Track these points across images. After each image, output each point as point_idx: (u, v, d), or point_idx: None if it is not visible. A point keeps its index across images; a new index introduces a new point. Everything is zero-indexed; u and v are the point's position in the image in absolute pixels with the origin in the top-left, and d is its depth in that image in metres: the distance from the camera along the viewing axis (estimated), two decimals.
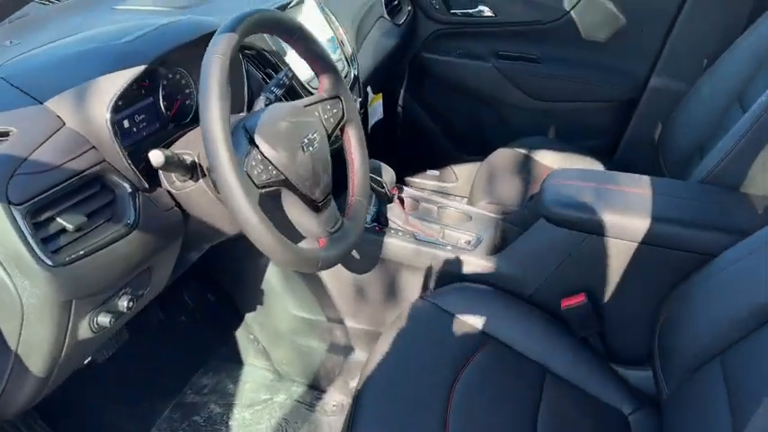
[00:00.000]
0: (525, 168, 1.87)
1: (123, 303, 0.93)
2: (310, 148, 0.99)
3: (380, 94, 1.85)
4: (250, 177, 0.88)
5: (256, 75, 1.21)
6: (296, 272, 1.49)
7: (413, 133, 2.35)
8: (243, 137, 0.93)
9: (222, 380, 1.62)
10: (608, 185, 1.29)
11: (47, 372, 0.88)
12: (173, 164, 0.88)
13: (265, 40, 1.26)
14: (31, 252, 0.77)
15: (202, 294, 1.67)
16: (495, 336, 1.20)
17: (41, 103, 0.88)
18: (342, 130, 1.16)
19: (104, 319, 0.89)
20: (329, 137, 1.10)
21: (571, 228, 1.24)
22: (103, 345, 1.35)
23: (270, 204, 0.98)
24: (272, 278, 1.51)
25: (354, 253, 1.44)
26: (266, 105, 1.09)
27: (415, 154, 2.36)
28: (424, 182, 2.34)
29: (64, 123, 0.87)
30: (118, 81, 0.90)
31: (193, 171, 0.95)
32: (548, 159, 1.89)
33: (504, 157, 1.91)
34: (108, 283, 0.88)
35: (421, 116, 2.30)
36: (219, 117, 0.83)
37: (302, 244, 1.03)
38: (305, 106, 1.06)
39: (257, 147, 0.93)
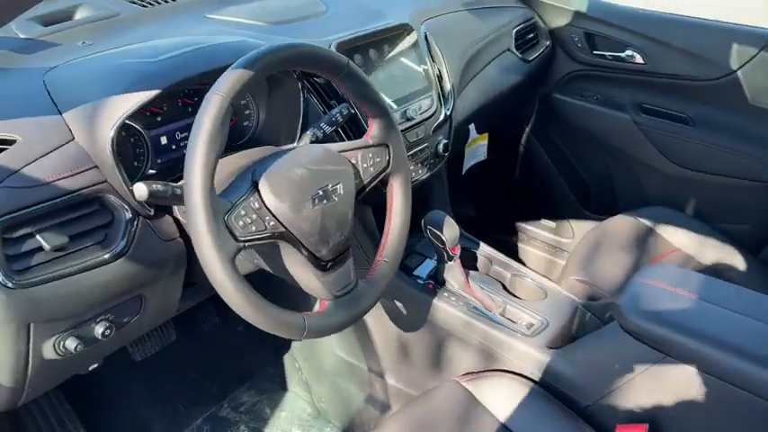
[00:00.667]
0: (643, 244, 1.60)
1: (99, 330, 0.89)
2: (324, 201, 0.88)
3: (486, 135, 1.68)
4: (231, 229, 0.79)
5: (317, 107, 1.13)
6: None
7: (532, 178, 2.14)
8: (247, 180, 0.85)
9: (261, 401, 1.58)
10: (712, 300, 1.03)
11: (16, 383, 0.87)
12: (161, 197, 0.82)
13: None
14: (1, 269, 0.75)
15: None
16: None
17: (60, 114, 0.87)
18: (384, 181, 1.04)
19: (71, 344, 0.86)
20: (364, 188, 0.98)
21: (648, 343, 1.01)
22: (143, 343, 1.36)
23: (274, 253, 0.89)
24: None
25: (401, 307, 1.31)
26: (311, 142, 1.01)
27: (530, 200, 2.15)
28: (537, 231, 2.12)
29: (73, 138, 0.85)
30: (129, 101, 0.86)
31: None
32: (676, 238, 1.60)
33: (621, 225, 1.65)
34: (79, 309, 0.85)
35: (544, 161, 2.08)
36: (202, 164, 0.75)
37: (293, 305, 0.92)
38: (340, 152, 0.96)
39: (258, 192, 0.84)
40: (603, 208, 1.97)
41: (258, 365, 1.65)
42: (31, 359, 0.84)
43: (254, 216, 0.82)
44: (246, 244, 0.81)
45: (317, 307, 0.93)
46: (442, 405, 1.09)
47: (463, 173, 1.66)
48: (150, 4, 1.27)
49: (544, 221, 2.11)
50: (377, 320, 1.36)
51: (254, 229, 0.82)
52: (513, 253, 2.10)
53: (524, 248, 2.14)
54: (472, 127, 1.61)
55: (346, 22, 1.26)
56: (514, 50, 1.74)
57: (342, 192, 0.91)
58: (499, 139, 1.82)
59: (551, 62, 1.91)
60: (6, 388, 0.88)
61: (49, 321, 0.83)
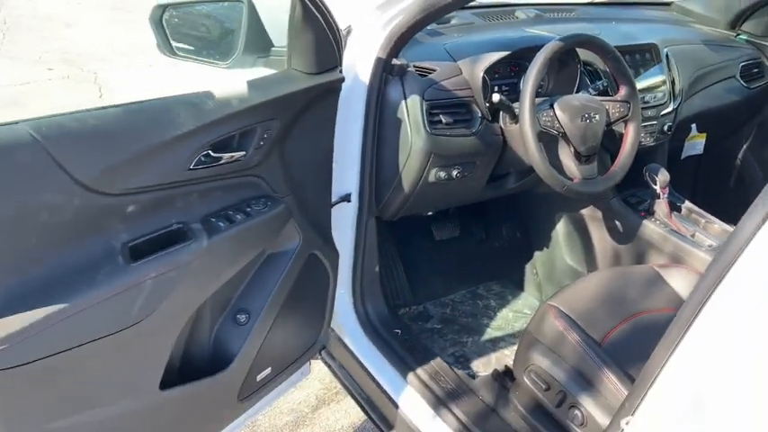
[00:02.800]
0: None
1: (454, 173, 1.70)
2: (587, 120, 1.60)
3: (704, 134, 2.24)
4: (538, 120, 1.55)
5: (585, 80, 1.86)
6: (575, 229, 2.07)
7: (741, 187, 2.59)
8: (547, 103, 1.61)
9: (504, 292, 2.30)
10: None
11: (409, 192, 1.71)
12: (503, 107, 1.61)
13: (599, 62, 1.88)
14: (423, 123, 1.60)
15: (513, 232, 2.38)
16: None
17: (455, 61, 1.71)
18: (625, 124, 1.72)
19: (441, 174, 1.68)
20: (609, 124, 1.68)
21: None
22: (441, 230, 2.18)
23: (554, 145, 1.64)
24: (560, 229, 2.13)
25: (619, 226, 1.95)
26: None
27: (727, 205, 2.60)
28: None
29: (461, 73, 1.69)
30: (490, 59, 1.67)
31: (517, 118, 1.66)
32: None
33: None
34: (452, 156, 1.67)
35: (759, 178, 2.53)
36: (531, 85, 1.52)
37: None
38: (600, 100, 1.67)
39: (553, 109, 1.59)
40: None
41: (504, 270, 2.37)
42: (422, 179, 1.68)
43: (549, 119, 1.57)
44: (544, 130, 1.56)
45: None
46: (636, 274, 1.71)
47: (682, 158, 2.24)
48: (491, 19, 2.12)
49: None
50: (600, 236, 2.01)
51: (549, 125, 1.57)
52: None
53: None
54: (693, 126, 2.19)
55: (613, 38, 1.98)
56: (739, 78, 2.28)
57: (597, 119, 1.62)
58: (717, 145, 2.35)
59: None
60: (402, 196, 1.72)
61: (438, 156, 1.65)
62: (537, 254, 2.27)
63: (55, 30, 6.58)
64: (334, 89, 1.46)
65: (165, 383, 1.23)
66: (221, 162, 1.24)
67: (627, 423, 1.04)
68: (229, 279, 1.32)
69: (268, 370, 1.51)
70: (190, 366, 1.34)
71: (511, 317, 2.18)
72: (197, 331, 1.34)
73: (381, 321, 1.90)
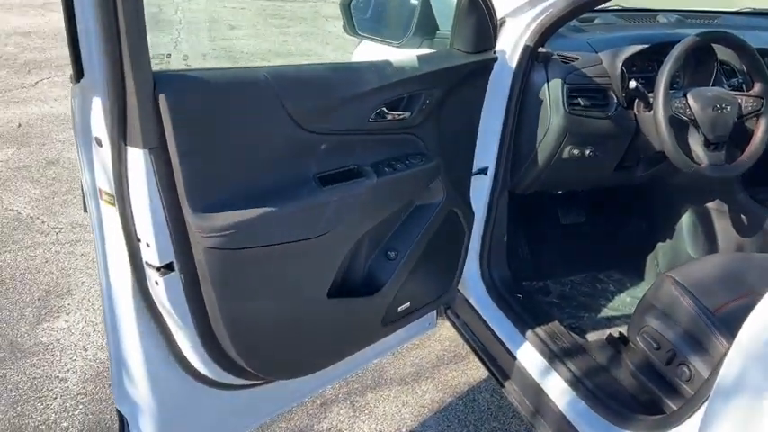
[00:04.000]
0: None
1: (586, 152, 1.88)
2: (719, 111, 1.73)
3: None
4: (671, 106, 1.70)
5: (721, 78, 1.96)
6: (700, 222, 2.17)
7: None
8: (681, 92, 1.75)
9: (624, 280, 2.41)
10: None
11: (543, 166, 1.91)
12: (638, 94, 1.77)
13: (736, 61, 1.98)
14: (563, 103, 1.80)
15: (637, 222, 2.49)
16: None
17: (596, 53, 1.89)
18: (757, 119, 1.82)
19: (574, 152, 1.86)
20: (741, 117, 1.79)
21: None
22: (568, 214, 2.35)
23: (683, 132, 1.78)
24: (685, 222, 2.22)
25: (744, 219, 2.03)
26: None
27: None
28: None
29: (600, 63, 1.87)
30: (628, 51, 1.84)
31: (651, 105, 1.81)
32: None
33: None
34: (586, 134, 1.85)
35: None
36: (667, 72, 1.68)
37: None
38: (734, 95, 1.79)
39: (686, 97, 1.73)
40: None
41: (623, 257, 2.48)
42: (556, 155, 1.87)
43: (681, 107, 1.71)
44: (675, 115, 1.71)
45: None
46: (758, 259, 1.79)
47: None
48: (633, 22, 2.27)
49: None
50: (724, 229, 2.09)
51: (680, 112, 1.71)
52: None
53: None
54: None
55: (754, 43, 2.07)
56: None
57: (729, 110, 1.74)
58: None
59: None
60: (536, 171, 1.92)
61: (573, 134, 1.84)
62: (660, 245, 2.37)
63: (221, 31, 7.37)
64: (487, 68, 1.70)
65: (331, 293, 1.52)
66: (391, 119, 1.52)
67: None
68: (386, 218, 1.60)
69: (407, 304, 1.77)
70: (348, 285, 1.62)
71: (628, 301, 2.30)
72: (357, 257, 1.62)
73: (505, 286, 2.11)
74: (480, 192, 1.99)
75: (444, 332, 2.57)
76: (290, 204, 1.32)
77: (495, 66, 1.76)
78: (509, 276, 2.14)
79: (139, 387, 1.41)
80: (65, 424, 2.00)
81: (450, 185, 1.75)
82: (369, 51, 2.25)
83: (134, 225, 1.22)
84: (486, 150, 1.92)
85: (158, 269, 1.24)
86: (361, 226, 1.52)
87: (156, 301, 1.32)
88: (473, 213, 1.89)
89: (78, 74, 1.08)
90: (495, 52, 1.70)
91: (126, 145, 1.15)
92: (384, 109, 1.49)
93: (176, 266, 1.27)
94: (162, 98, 1.10)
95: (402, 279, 1.70)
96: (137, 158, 1.15)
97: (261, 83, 1.25)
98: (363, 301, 1.62)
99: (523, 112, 1.88)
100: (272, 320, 1.43)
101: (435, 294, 1.89)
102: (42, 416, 2.02)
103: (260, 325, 1.41)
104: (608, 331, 2.13)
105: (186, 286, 1.30)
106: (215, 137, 1.20)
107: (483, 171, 1.96)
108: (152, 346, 1.38)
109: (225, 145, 1.22)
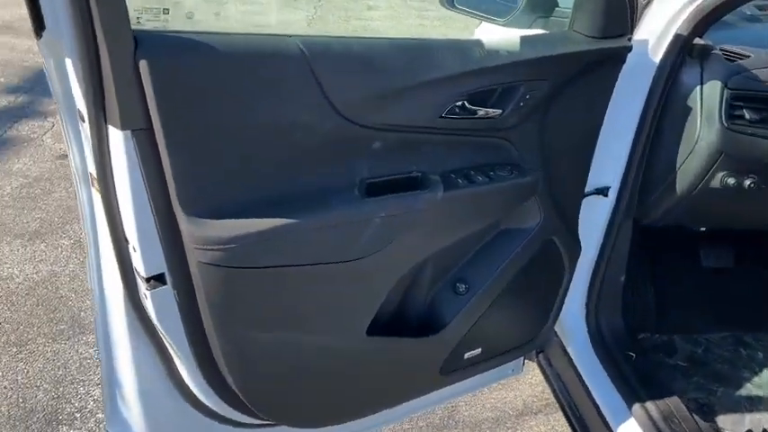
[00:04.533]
0: None
1: (746, 182, 1.39)
2: None
3: None
4: None
5: None
6: None
7: None
8: None
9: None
10: None
11: (682, 195, 1.45)
12: None
13: None
14: (720, 115, 1.33)
15: None
16: None
17: None
18: None
19: (729, 180, 1.38)
20: None
21: None
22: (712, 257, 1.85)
23: None
24: None
25: None
26: None
27: None
28: None
29: None
30: None
31: None
32: None
33: None
34: (748, 159, 1.37)
35: None
36: None
37: None
38: None
39: None
40: None
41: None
42: (702, 182, 1.41)
43: None
44: None
45: None
46: None
47: None
48: None
49: None
50: None
51: None
52: None
53: None
54: None
55: None
56: None
57: None
58: None
59: None
60: (672, 199, 1.46)
61: (729, 157, 1.37)
62: None
63: (358, 11, 7.21)
64: (617, 58, 1.28)
65: (372, 330, 1.20)
66: (475, 116, 1.16)
67: None
68: (456, 242, 1.24)
69: (478, 351, 1.41)
70: (399, 322, 1.29)
71: None
72: (414, 288, 1.29)
73: (615, 339, 1.67)
74: (596, 216, 1.57)
75: (538, 374, 2.15)
76: (318, 216, 1.02)
77: (631, 57, 1.33)
78: (622, 327, 1.69)
79: (132, 410, 1.18)
80: (100, 415, 1.86)
81: (552, 207, 1.36)
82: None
83: (121, 223, 0.98)
84: (609, 165, 1.50)
85: (147, 280, 0.99)
86: (418, 250, 1.18)
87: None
88: (579, 246, 1.47)
89: (38, 25, 0.83)
90: (630, 38, 1.27)
91: (106, 123, 0.90)
92: (465, 103, 1.13)
93: (169, 279, 1.01)
94: (143, 65, 0.83)
95: (472, 319, 1.34)
96: (117, 142, 0.89)
97: (291, 55, 0.95)
98: (415, 342, 1.28)
99: (664, 120, 1.44)
100: (288, 357, 1.14)
101: (518, 340, 1.51)
102: (81, 402, 1.90)
103: (271, 361, 1.12)
104: (747, 417, 1.63)
105: (182, 303, 1.04)
106: (218, 120, 0.92)
107: (602, 191, 1.54)
108: (146, 364, 1.14)
109: (231, 132, 0.93)
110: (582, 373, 1.64)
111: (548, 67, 1.19)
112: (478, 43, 1.14)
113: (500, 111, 1.18)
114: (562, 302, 1.52)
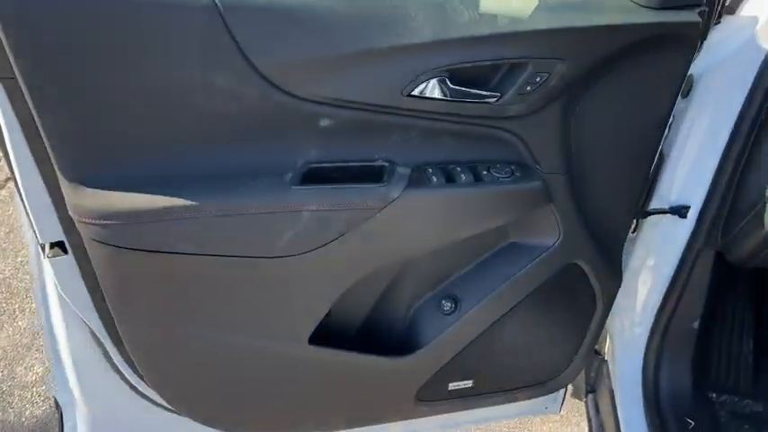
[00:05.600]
0: None
1: None
2: None
3: None
4: None
5: None
6: None
7: None
8: None
9: None
10: None
11: None
12: None
13: None
14: None
15: None
16: None
17: None
18: None
19: None
20: None
21: None
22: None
23: None
24: None
25: None
26: None
27: None
28: None
29: None
30: None
31: None
32: None
33: None
34: None
35: None
36: None
37: None
38: None
39: None
40: None
41: None
42: None
43: None
44: None
45: None
46: None
47: None
48: None
49: None
50: None
51: None
52: None
53: None
54: None
55: None
56: None
57: None
58: None
59: None
60: (762, 236, 1.09)
61: None
62: None
63: None
64: (682, 38, 0.95)
65: (319, 340, 1.03)
66: (460, 99, 0.92)
67: None
68: (437, 253, 1.02)
69: (468, 383, 1.17)
70: (369, 339, 1.10)
71: None
72: (386, 301, 1.09)
73: (673, 398, 1.33)
74: (664, 241, 1.24)
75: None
76: (231, 200, 0.86)
77: (726, 46, 1.00)
78: (688, 385, 1.34)
79: (71, 379, 1.13)
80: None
81: (579, 223, 1.07)
82: None
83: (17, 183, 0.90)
84: (692, 180, 1.16)
85: (43, 248, 0.91)
86: (374, 256, 0.98)
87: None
88: (618, 277, 1.17)
89: None
90: (706, 11, 0.94)
91: None
92: (447, 79, 0.90)
93: (69, 248, 0.92)
94: None
95: (458, 344, 1.11)
96: None
97: (196, 5, 0.79)
98: (379, 361, 1.08)
99: (763, 132, 1.07)
100: (197, 353, 1.00)
101: (527, 379, 1.24)
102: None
103: (176, 354, 1.00)
104: None
105: (85, 275, 0.95)
106: (95, 75, 0.78)
107: (679, 211, 1.20)
108: (78, 336, 1.08)
109: (111, 91, 0.80)
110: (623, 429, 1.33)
111: (568, 41, 0.91)
112: (473, 3, 0.89)
113: (498, 95, 0.92)
114: (593, 342, 1.22)
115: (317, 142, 0.91)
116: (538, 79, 0.91)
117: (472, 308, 1.08)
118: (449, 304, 1.09)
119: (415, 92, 0.89)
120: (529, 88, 0.92)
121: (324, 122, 0.90)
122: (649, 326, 1.31)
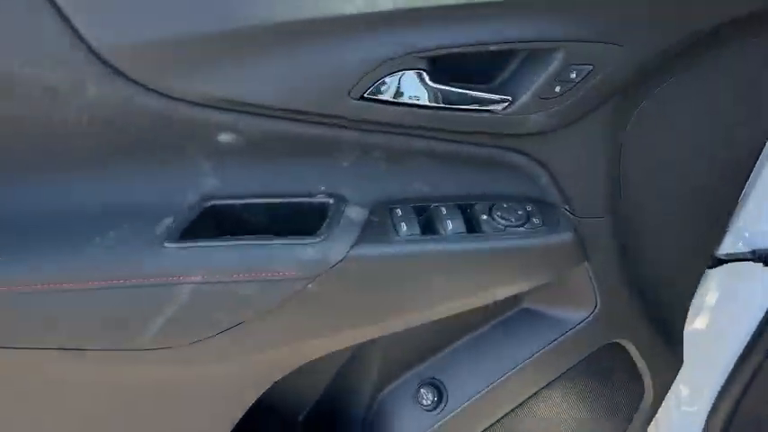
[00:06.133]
0: None
1: None
2: None
3: None
4: None
5: None
6: None
7: None
8: None
9: None
10: None
11: None
12: None
13: None
14: None
15: None
16: None
17: None
18: None
19: None
20: None
21: None
22: None
23: None
24: None
25: None
26: None
27: None
28: None
29: None
30: None
31: None
32: None
33: None
34: None
35: None
36: None
37: None
38: None
39: None
40: None
41: None
42: None
43: None
44: None
45: None
46: None
47: None
48: None
49: None
50: None
51: None
52: None
53: None
54: None
55: None
56: None
57: None
58: None
59: None
60: None
61: None
62: None
63: None
64: None
65: None
66: (447, 105, 0.57)
67: None
68: (418, 327, 0.68)
69: None
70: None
71: None
72: (339, 391, 0.75)
73: None
74: (745, 296, 0.89)
75: None
76: (65, 264, 0.53)
77: None
78: None
79: None
80: None
81: (624, 287, 0.72)
82: None
83: None
84: None
85: None
86: (298, 352, 0.64)
87: None
88: (680, 357, 0.82)
89: None
90: None
91: None
92: (424, 73, 0.54)
93: None
94: None
95: None
96: None
97: None
98: None
99: None
100: None
101: None
102: None
103: None
104: None
105: None
106: None
107: (764, 258, 0.85)
108: None
109: None
110: None
111: (626, 17, 0.55)
112: None
113: (508, 99, 0.57)
114: None
115: (216, 167, 0.57)
116: (573, 75, 0.56)
117: (464, 402, 0.75)
118: (430, 395, 0.76)
119: (371, 92, 0.54)
120: (558, 89, 0.57)
121: (224, 137, 0.56)
122: (707, 409, 0.97)
